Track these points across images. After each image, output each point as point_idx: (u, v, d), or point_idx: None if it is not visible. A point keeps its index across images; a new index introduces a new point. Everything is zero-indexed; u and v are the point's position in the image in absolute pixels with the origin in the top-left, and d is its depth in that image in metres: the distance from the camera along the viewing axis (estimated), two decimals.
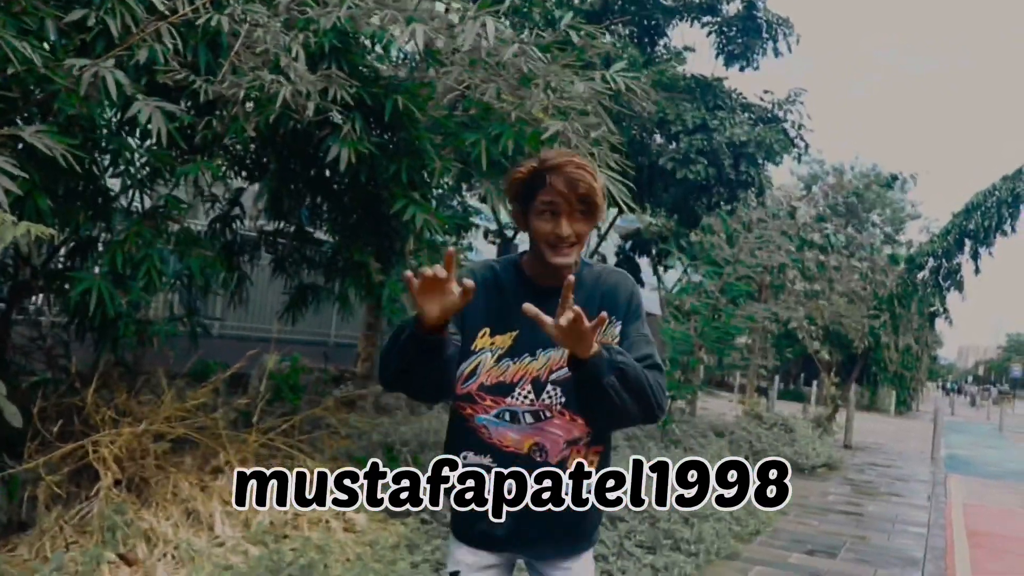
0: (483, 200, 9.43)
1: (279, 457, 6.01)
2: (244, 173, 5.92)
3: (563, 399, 1.99)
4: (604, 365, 1.81)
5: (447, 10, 5.50)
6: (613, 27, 11.28)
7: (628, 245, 16.74)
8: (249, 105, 4.82)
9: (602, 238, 15.56)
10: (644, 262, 16.43)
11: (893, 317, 14.49)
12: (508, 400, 2.00)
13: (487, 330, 2.03)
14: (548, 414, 2.00)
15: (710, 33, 12.61)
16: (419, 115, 5.23)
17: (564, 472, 1.99)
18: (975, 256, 13.61)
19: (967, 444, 19.86)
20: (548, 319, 1.75)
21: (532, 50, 4.73)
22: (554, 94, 4.90)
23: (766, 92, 12.45)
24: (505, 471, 1.99)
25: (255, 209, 6.05)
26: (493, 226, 14.35)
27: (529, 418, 1.99)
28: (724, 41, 12.41)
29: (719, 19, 12.17)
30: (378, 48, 5.47)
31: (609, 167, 5.12)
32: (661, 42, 12.48)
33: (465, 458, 2.02)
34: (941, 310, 14.55)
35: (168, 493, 4.85)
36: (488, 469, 1.99)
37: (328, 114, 4.58)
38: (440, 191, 7.02)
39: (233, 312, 10.31)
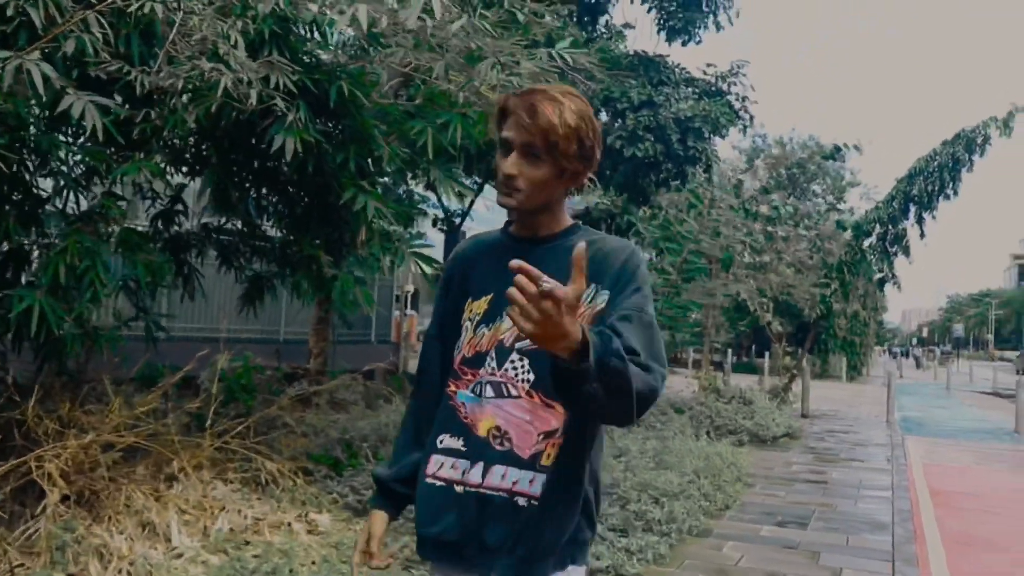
0: (431, 188, 9.28)
1: (236, 460, 5.83)
2: (185, 168, 5.68)
3: (530, 375, 1.66)
4: (585, 371, 1.40)
5: None
6: (552, 6, 11.14)
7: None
8: (185, 97, 4.63)
9: None
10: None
11: (843, 285, 14.61)
12: (481, 371, 1.72)
13: (470, 299, 1.81)
14: (511, 390, 1.67)
15: (651, 9, 12.55)
16: (365, 101, 5.07)
17: (534, 470, 1.65)
18: (920, 221, 13.80)
19: (918, 406, 20.25)
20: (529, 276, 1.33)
21: (481, 25, 4.58)
22: (503, 71, 4.76)
23: (709, 66, 12.45)
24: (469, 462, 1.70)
25: (197, 205, 5.81)
26: (441, 214, 14.20)
27: (489, 391, 1.69)
28: (665, 17, 12.35)
29: None
30: (318, 35, 5.27)
31: None
32: (602, 20, 12.39)
33: (441, 441, 1.75)
34: (889, 275, 14.75)
35: (121, 505, 4.64)
36: (456, 455, 1.71)
37: (271, 103, 4.39)
38: (387, 179, 6.84)
39: (180, 312, 10.03)
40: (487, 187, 12.10)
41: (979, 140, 13.18)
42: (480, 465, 1.68)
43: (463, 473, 1.70)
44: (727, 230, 10.79)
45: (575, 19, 11.80)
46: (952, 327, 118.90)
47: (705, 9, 11.85)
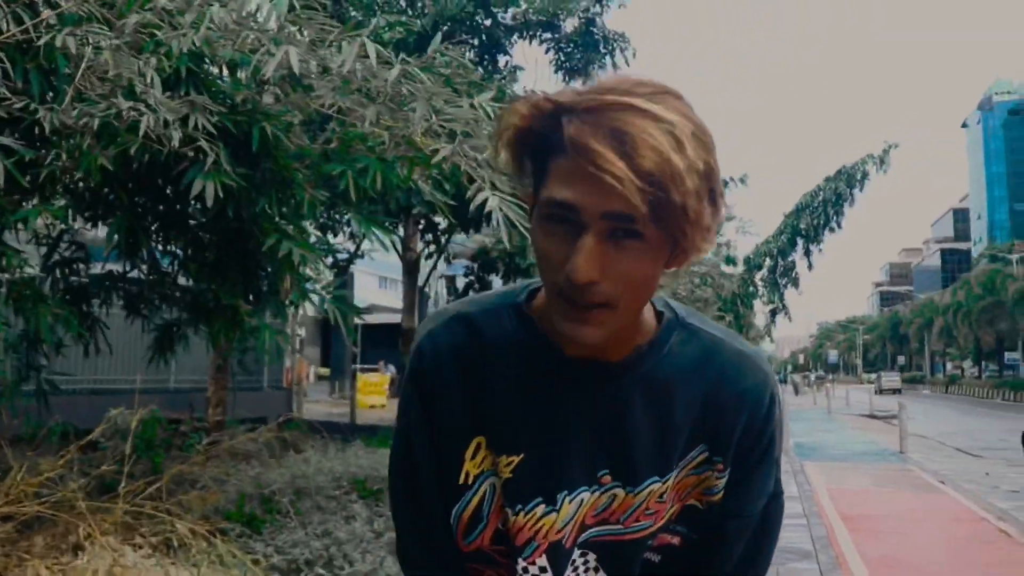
0: (352, 237, 9.02)
1: (145, 524, 5.46)
2: (88, 213, 5.34)
3: (600, 574, 1.11)
4: None
5: (301, 31, 5.17)
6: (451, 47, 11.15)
7: (477, 266, 16.66)
8: (91, 138, 4.35)
9: (444, 260, 15.37)
10: (497, 282, 16.39)
11: (736, 317, 15.07)
12: (522, 561, 1.09)
13: (480, 442, 1.08)
14: None
15: (548, 50, 12.71)
16: (289, 144, 4.88)
17: None
18: (808, 253, 14.38)
19: (806, 431, 20.95)
20: None
21: (415, 71, 4.48)
22: (437, 116, 4.67)
23: None
24: None
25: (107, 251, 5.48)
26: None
27: None
28: (563, 57, 12.54)
29: (558, 36, 12.29)
30: (240, 74, 5.06)
31: (497, 188, 4.94)
32: (503, 60, 12.49)
33: None
34: (780, 307, 15.32)
35: None
36: None
37: (192, 145, 4.16)
38: (308, 224, 6.63)
39: (67, 365, 9.45)
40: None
41: (859, 176, 13.87)
42: None
43: None
44: None
45: (476, 58, 11.85)
46: (826, 353, 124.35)
47: (603, 50, 12.09)
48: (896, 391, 57.67)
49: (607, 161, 0.84)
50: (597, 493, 1.06)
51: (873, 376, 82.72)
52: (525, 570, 1.08)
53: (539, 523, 1.06)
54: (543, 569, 1.08)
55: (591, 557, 1.09)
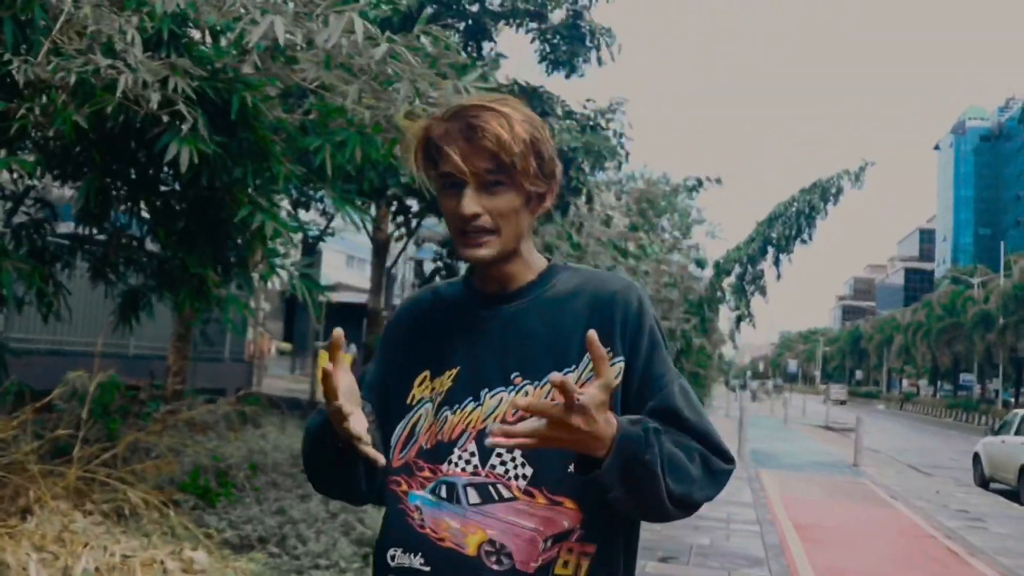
0: (324, 214, 8.89)
1: (100, 491, 5.37)
2: (57, 171, 5.22)
3: (527, 469, 1.32)
4: (609, 476, 1.22)
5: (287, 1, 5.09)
6: (448, 29, 11.06)
7: (446, 252, 16.59)
8: (66, 94, 4.24)
9: (414, 243, 15.28)
10: (463, 269, 16.34)
11: (702, 320, 15.15)
12: (445, 467, 1.35)
13: (426, 374, 1.44)
14: (503, 492, 1.32)
15: (534, 40, 12.63)
16: (268, 114, 4.80)
17: None
18: (777, 262, 14.49)
19: (762, 438, 21.17)
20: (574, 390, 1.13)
21: (402, 51, 4.41)
22: (420, 99, 4.61)
23: (588, 100, 12.63)
24: None
25: (74, 210, 5.36)
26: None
27: (473, 496, 1.33)
28: (548, 48, 12.46)
29: (545, 26, 12.22)
30: (222, 40, 4.97)
31: None
32: (488, 46, 12.38)
33: (392, 558, 1.37)
34: (746, 313, 15.43)
35: None
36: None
37: (171, 108, 4.07)
38: (282, 197, 6.54)
39: (21, 324, 9.26)
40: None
41: (833, 190, 13.99)
42: None
43: None
44: (604, 263, 10.96)
45: (461, 43, 11.75)
46: (785, 362, 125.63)
47: (589, 44, 12.02)
48: (842, 402, 59.52)
49: (462, 144, 1.30)
50: (512, 392, 1.35)
51: (835, 388, 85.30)
52: (459, 457, 1.35)
53: (469, 416, 1.37)
54: (472, 454, 1.35)
55: (518, 453, 1.32)
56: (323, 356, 1.32)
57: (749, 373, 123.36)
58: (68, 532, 4.78)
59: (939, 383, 72.79)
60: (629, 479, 1.22)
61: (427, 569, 1.32)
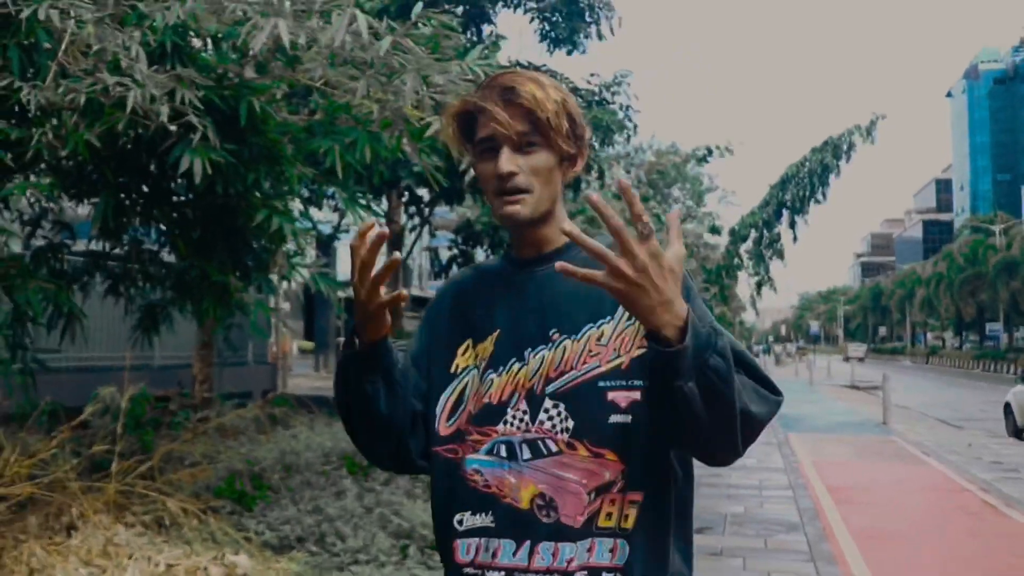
0: (336, 210, 8.88)
1: (139, 502, 5.45)
2: (72, 191, 5.26)
3: (569, 422, 1.34)
4: (685, 358, 1.15)
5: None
6: (446, 14, 11.03)
7: (460, 239, 16.59)
8: (76, 115, 4.27)
9: (428, 232, 15.29)
10: (480, 255, 16.33)
11: (722, 289, 15.11)
12: (501, 428, 1.39)
13: (469, 342, 1.47)
14: (551, 446, 1.35)
15: (533, 19, 12.58)
16: (276, 118, 4.82)
17: (591, 535, 1.32)
18: (793, 225, 14.40)
19: (789, 402, 20.92)
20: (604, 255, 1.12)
21: (406, 43, 4.41)
22: (427, 88, 4.61)
23: (592, 75, 12.59)
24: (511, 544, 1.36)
25: (94, 229, 5.42)
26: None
27: (526, 451, 1.36)
28: (548, 27, 12.42)
29: (543, 4, 12.17)
30: (224, 45, 4.98)
31: None
32: (488, 28, 12.36)
33: (461, 522, 1.40)
34: (766, 278, 15.36)
35: (23, 564, 4.23)
36: (489, 533, 1.37)
37: (181, 120, 4.09)
38: (297, 200, 6.56)
39: (52, 342, 9.36)
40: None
41: (845, 147, 13.87)
42: (527, 544, 1.34)
43: (501, 556, 1.36)
44: None
45: (460, 27, 11.72)
46: (807, 324, 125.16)
47: (588, 19, 11.97)
48: (860, 359, 59.86)
49: (499, 108, 1.35)
50: (553, 349, 1.39)
51: (854, 346, 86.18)
52: (513, 416, 1.39)
53: (516, 376, 1.40)
54: (524, 412, 1.38)
55: (562, 407, 1.36)
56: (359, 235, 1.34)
57: (771, 337, 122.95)
58: (112, 545, 4.85)
59: (964, 335, 72.34)
60: (704, 370, 1.16)
61: (494, 525, 1.37)
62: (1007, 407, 14.95)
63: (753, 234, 14.78)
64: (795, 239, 14.30)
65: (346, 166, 5.04)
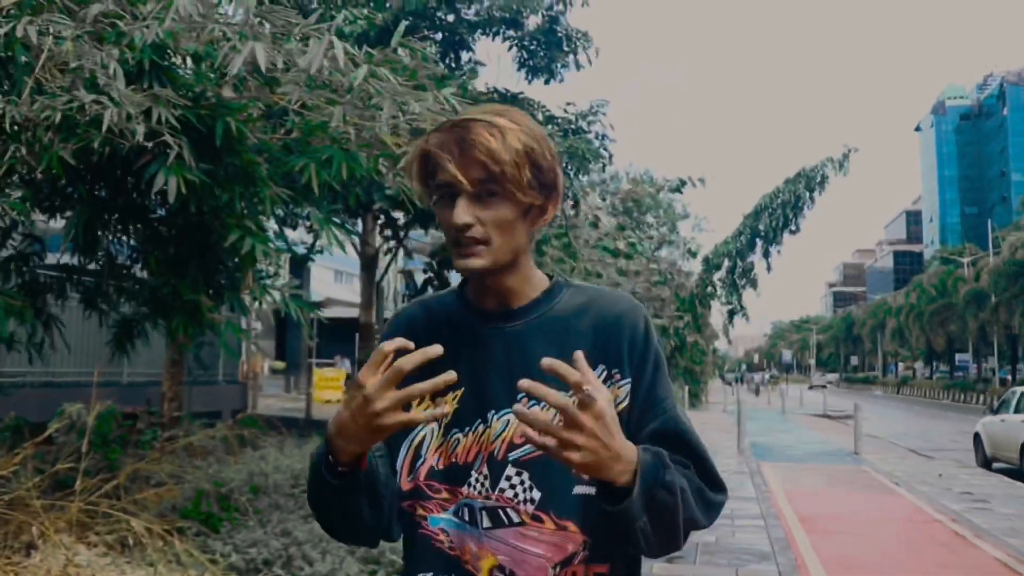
0: (311, 230, 8.85)
1: (103, 522, 5.37)
2: (46, 204, 5.23)
3: (535, 493, 1.31)
4: (636, 504, 1.18)
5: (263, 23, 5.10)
6: (425, 41, 11.09)
7: (435, 262, 16.58)
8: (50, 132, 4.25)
9: (403, 255, 15.28)
10: (455, 278, 16.32)
11: (695, 317, 15.19)
12: (465, 490, 1.34)
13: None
14: (512, 516, 1.31)
15: (511, 47, 12.67)
16: (252, 138, 4.82)
17: None
18: (766, 255, 14.54)
19: (761, 431, 21.21)
20: (546, 396, 1.12)
21: (382, 72, 4.44)
22: (404, 115, 4.64)
23: (569, 104, 12.69)
24: None
25: (66, 242, 5.38)
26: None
27: (486, 519, 1.32)
28: (526, 55, 12.51)
29: (521, 33, 12.26)
30: (203, 65, 4.98)
31: None
32: (466, 56, 12.43)
33: None
34: (738, 307, 15.47)
35: None
36: None
37: (156, 139, 4.08)
38: (270, 220, 6.55)
39: (15, 358, 9.24)
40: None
41: (818, 179, 14.06)
42: None
43: None
44: (601, 269, 11.01)
45: (439, 54, 11.78)
46: (780, 352, 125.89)
47: (566, 48, 12.07)
48: (823, 387, 61.32)
49: (455, 155, 1.27)
50: None
51: (830, 375, 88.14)
52: (476, 479, 1.33)
53: (481, 438, 1.34)
54: (485, 476, 1.32)
55: (526, 476, 1.31)
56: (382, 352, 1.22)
57: (744, 366, 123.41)
58: (73, 566, 4.77)
59: (935, 365, 73.01)
60: (653, 505, 1.19)
61: None
62: (976, 437, 15.11)
63: (727, 263, 14.92)
64: (769, 269, 14.47)
65: (322, 184, 5.04)
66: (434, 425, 1.37)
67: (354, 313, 17.60)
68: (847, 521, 8.49)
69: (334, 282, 42.24)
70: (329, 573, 4.97)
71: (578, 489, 1.30)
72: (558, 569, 1.29)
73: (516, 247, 1.34)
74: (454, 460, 1.35)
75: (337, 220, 5.44)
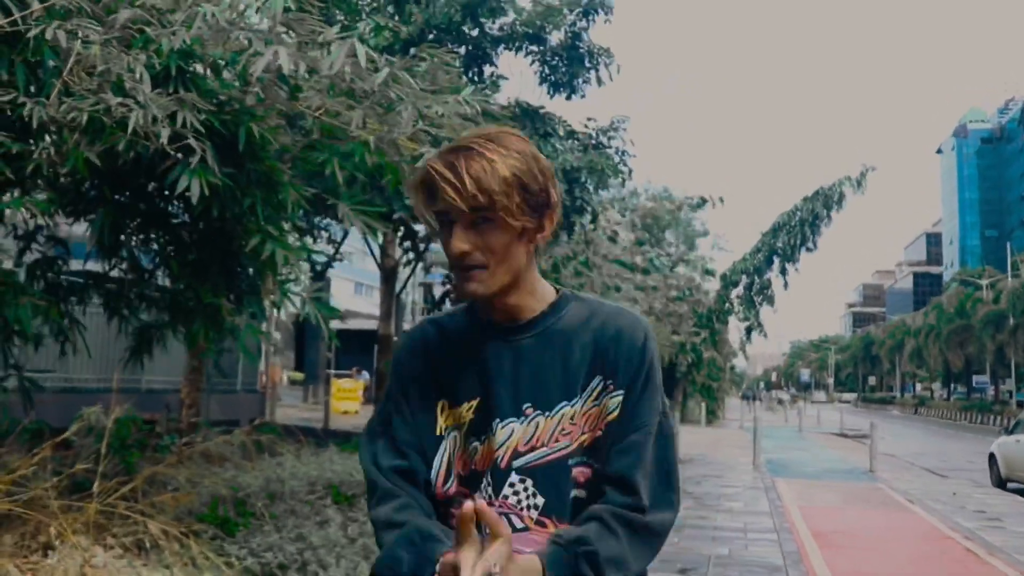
0: (331, 242, 8.86)
1: (120, 524, 5.40)
2: (69, 208, 5.30)
3: (539, 499, 1.37)
4: None
5: (290, 32, 5.17)
6: (450, 53, 11.17)
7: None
8: (77, 133, 4.32)
9: (422, 268, 15.37)
10: None
11: (712, 333, 15.18)
12: (478, 496, 1.40)
13: (443, 403, 1.47)
14: (517, 523, 1.36)
15: (533, 62, 12.74)
16: (274, 143, 4.87)
17: None
18: (783, 272, 14.51)
19: (778, 448, 21.08)
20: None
21: (403, 76, 4.49)
22: (423, 120, 4.68)
23: (589, 120, 12.74)
24: None
25: (90, 246, 5.44)
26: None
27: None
28: (548, 70, 12.57)
29: (544, 48, 12.33)
30: (226, 73, 5.05)
31: None
32: (489, 70, 12.50)
33: None
34: (756, 324, 15.44)
35: None
36: None
37: (181, 142, 4.14)
38: (292, 225, 6.60)
39: (39, 363, 9.33)
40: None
41: (836, 197, 14.03)
42: None
43: None
44: (620, 283, 11.03)
45: (462, 68, 11.86)
46: (798, 371, 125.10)
47: (587, 65, 12.12)
48: (820, 402, 61.68)
49: (449, 185, 1.32)
50: (524, 423, 1.40)
51: (845, 395, 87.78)
52: (484, 485, 1.40)
53: (489, 445, 1.41)
54: (488, 484, 1.40)
55: (529, 483, 1.37)
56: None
57: (762, 384, 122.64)
58: (89, 567, 4.81)
59: (952, 386, 72.36)
60: None
61: None
62: (991, 457, 14.98)
63: (744, 280, 14.90)
64: (786, 286, 14.47)
65: (347, 178, 5.07)
66: (456, 434, 1.45)
67: (373, 325, 17.67)
68: (860, 537, 8.43)
69: (354, 294, 42.48)
70: None
71: (573, 493, 1.39)
72: None
73: (514, 268, 1.39)
74: (473, 467, 1.43)
75: (369, 208, 5.40)
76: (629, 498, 1.35)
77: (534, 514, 1.36)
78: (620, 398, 1.39)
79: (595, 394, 1.40)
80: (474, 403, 1.43)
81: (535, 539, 1.34)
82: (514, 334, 1.43)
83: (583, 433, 1.39)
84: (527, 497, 1.37)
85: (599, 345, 1.41)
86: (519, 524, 1.36)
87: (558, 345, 1.42)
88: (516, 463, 1.38)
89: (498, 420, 1.39)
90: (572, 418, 1.39)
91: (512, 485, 1.37)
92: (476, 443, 1.42)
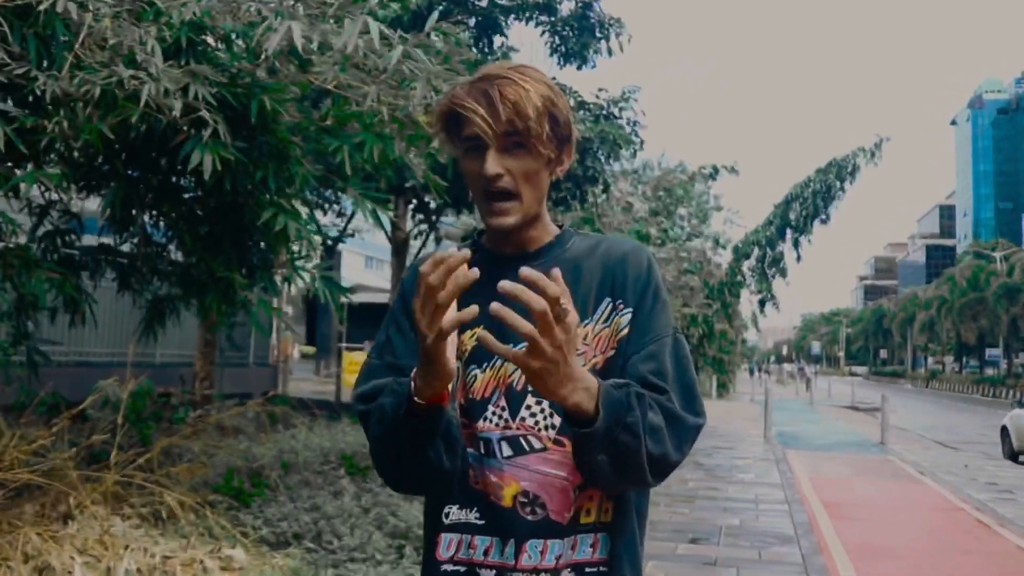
0: (341, 215, 8.85)
1: (137, 495, 5.48)
2: (81, 182, 5.31)
3: (555, 419, 1.36)
4: (596, 437, 1.22)
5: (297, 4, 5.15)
6: (459, 24, 11.11)
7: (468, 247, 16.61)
8: (90, 106, 4.33)
9: (434, 240, 15.34)
10: None
11: (724, 306, 15.16)
12: (481, 424, 1.39)
13: None
14: (534, 443, 1.37)
15: (544, 32, 12.65)
16: (287, 116, 4.87)
17: (575, 532, 1.36)
18: (796, 244, 14.45)
19: (789, 421, 21.12)
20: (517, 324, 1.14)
21: (417, 52, 4.47)
22: (436, 95, 4.67)
23: (601, 90, 12.66)
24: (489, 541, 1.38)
25: (102, 220, 5.46)
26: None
27: (506, 449, 1.38)
28: (558, 41, 12.48)
29: (554, 19, 12.24)
30: (235, 47, 5.04)
31: None
32: (499, 41, 12.42)
33: (447, 515, 1.42)
34: (769, 296, 15.41)
35: (18, 551, 4.26)
36: (473, 530, 1.39)
37: (192, 115, 4.14)
38: (303, 198, 6.61)
39: (53, 335, 9.41)
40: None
41: (849, 169, 13.94)
42: (511, 543, 1.35)
43: (487, 553, 1.37)
44: None
45: (472, 39, 11.79)
46: (809, 344, 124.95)
47: (598, 35, 12.03)
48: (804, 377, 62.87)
49: (483, 109, 1.33)
50: None
51: (857, 368, 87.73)
52: (493, 413, 1.40)
53: (498, 373, 1.40)
54: (503, 408, 1.39)
55: (546, 404, 1.38)
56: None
57: (772, 357, 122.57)
58: (108, 535, 4.88)
59: (964, 359, 72.20)
60: (614, 444, 1.23)
61: (482, 523, 1.38)
62: (1004, 430, 14.98)
63: (756, 252, 14.86)
64: (798, 258, 14.41)
65: (355, 166, 5.09)
66: (458, 364, 1.40)
67: (385, 299, 17.70)
68: (871, 508, 8.46)
69: (365, 268, 42.49)
70: (358, 547, 5.04)
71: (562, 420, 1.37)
72: (578, 491, 1.36)
73: (541, 197, 1.42)
74: (471, 396, 1.42)
75: (373, 194, 5.44)
76: (657, 394, 1.33)
77: (552, 434, 1.37)
78: (630, 315, 1.40)
79: (605, 315, 1.41)
80: (476, 331, 1.40)
81: (554, 459, 1.36)
82: (524, 263, 1.33)
83: (595, 356, 1.39)
84: (544, 418, 1.38)
85: (607, 268, 1.44)
86: (537, 444, 1.37)
87: (567, 271, 1.34)
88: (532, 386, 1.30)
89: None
90: (585, 338, 1.39)
91: (529, 407, 1.38)
92: (476, 371, 1.42)
